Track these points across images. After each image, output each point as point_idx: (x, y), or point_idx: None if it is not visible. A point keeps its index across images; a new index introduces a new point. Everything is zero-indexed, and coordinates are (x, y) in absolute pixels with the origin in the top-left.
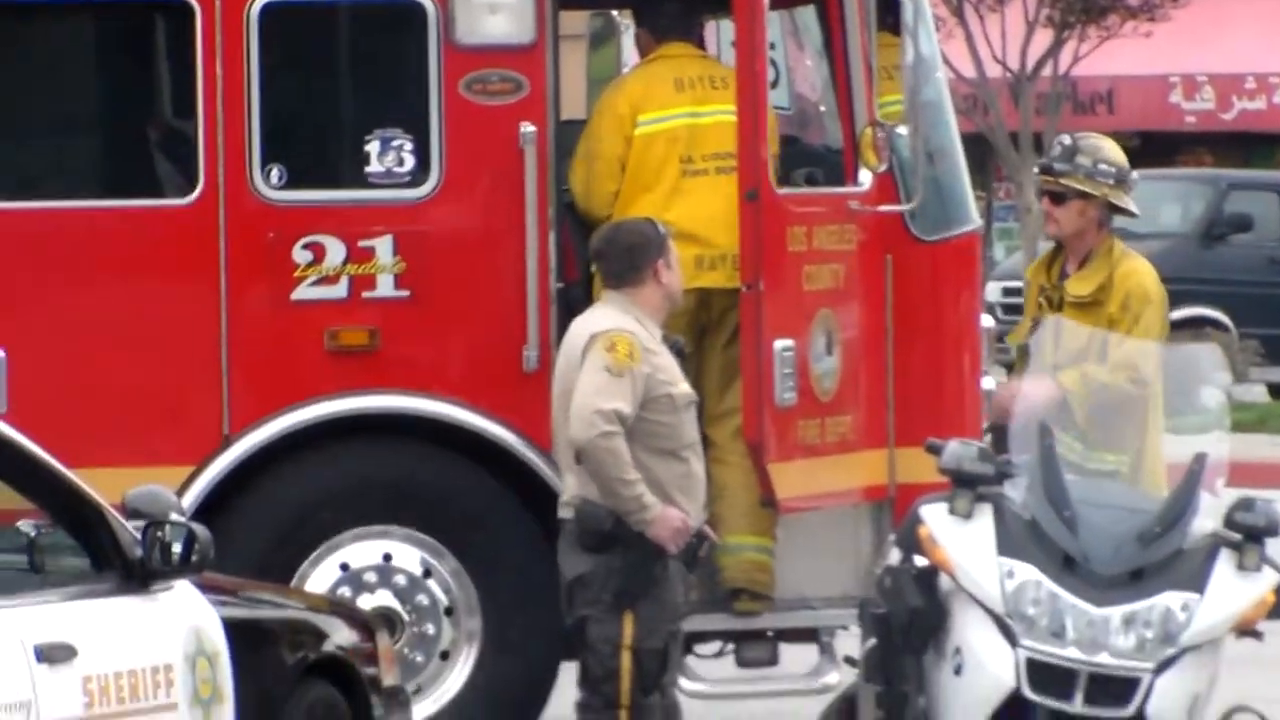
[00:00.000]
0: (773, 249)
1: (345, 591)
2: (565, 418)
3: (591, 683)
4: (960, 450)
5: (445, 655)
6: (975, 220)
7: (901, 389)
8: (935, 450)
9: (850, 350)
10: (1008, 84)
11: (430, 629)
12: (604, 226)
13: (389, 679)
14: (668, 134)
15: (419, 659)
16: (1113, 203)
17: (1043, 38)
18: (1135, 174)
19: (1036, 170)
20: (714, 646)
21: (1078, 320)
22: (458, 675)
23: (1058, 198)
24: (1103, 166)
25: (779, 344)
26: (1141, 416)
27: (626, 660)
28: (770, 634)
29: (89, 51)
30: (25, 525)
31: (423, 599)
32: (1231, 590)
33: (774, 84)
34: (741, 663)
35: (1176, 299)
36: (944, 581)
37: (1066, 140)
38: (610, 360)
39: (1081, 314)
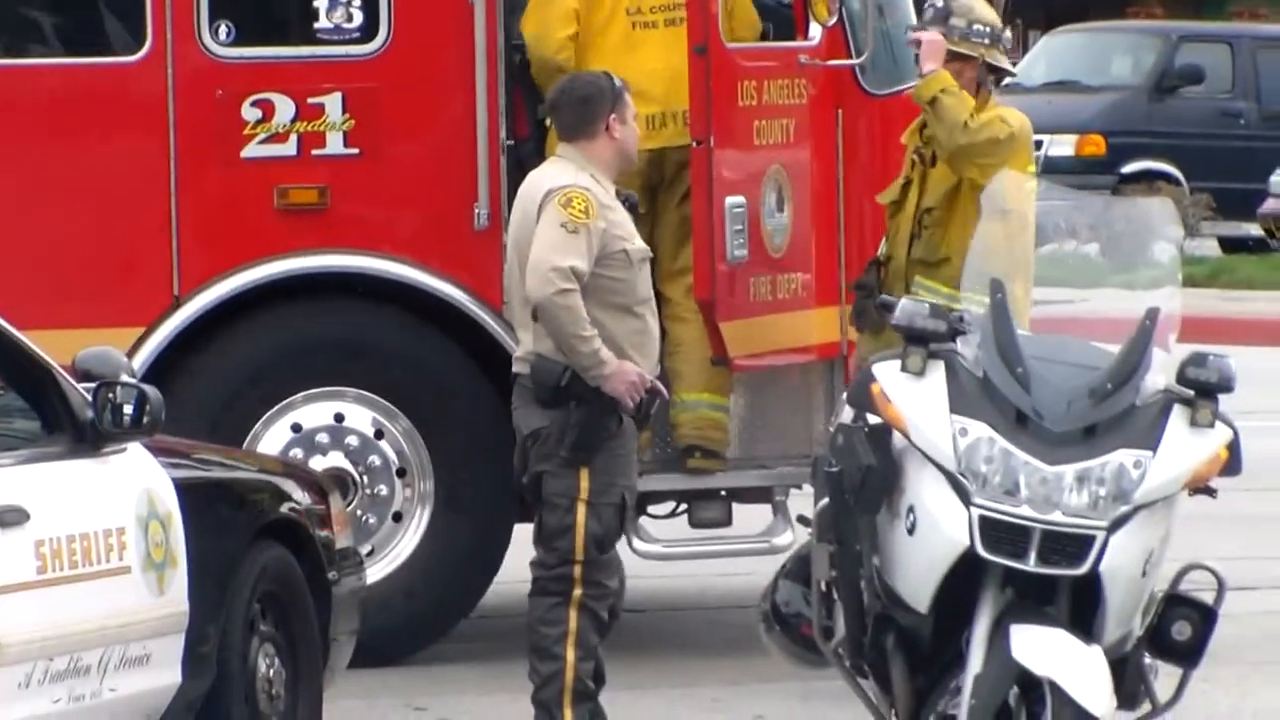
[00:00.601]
0: (722, 104)
1: (297, 453)
2: (520, 274)
3: (547, 538)
4: (912, 307)
5: (398, 517)
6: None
7: (853, 245)
8: (887, 307)
9: (801, 206)
10: None
11: (383, 490)
12: (560, 79)
13: (342, 541)
14: None
15: (371, 521)
16: (989, 62)
17: None
18: (1008, 32)
19: (909, 33)
20: (667, 507)
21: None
22: (410, 537)
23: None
24: (977, 27)
25: (730, 200)
26: (1006, 255)
27: (582, 514)
28: (723, 494)
29: None
30: None
31: (375, 460)
32: (1185, 447)
33: None
34: (694, 523)
35: (1127, 153)
36: (897, 439)
37: (939, 2)
38: (566, 216)
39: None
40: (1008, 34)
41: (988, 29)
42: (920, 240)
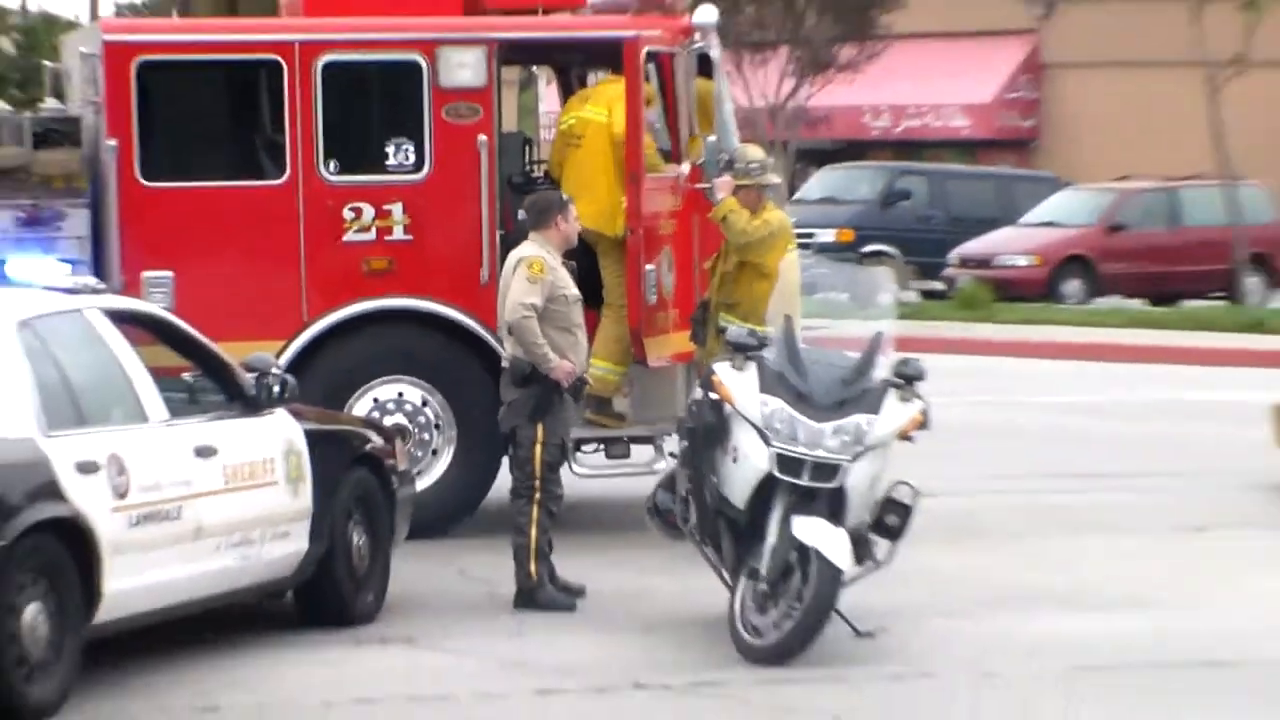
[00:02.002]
0: (642, 210)
1: (375, 414)
2: (504, 309)
3: (519, 466)
4: (737, 331)
5: (435, 452)
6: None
7: (696, 295)
8: (724, 331)
9: (678, 271)
10: (768, 110)
11: (425, 437)
12: (532, 194)
13: (402, 466)
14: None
15: (419, 455)
16: (760, 183)
17: (790, 82)
18: (771, 159)
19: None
20: (592, 446)
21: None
22: (441, 464)
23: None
24: (752, 165)
25: (648, 267)
26: (789, 301)
27: (538, 451)
28: (625, 439)
29: (233, 92)
30: (187, 376)
31: (421, 419)
32: (896, 413)
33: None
34: (608, 455)
35: (865, 239)
36: (727, 408)
37: (724, 155)
38: (529, 274)
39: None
40: (770, 159)
41: (758, 164)
42: (724, 290)
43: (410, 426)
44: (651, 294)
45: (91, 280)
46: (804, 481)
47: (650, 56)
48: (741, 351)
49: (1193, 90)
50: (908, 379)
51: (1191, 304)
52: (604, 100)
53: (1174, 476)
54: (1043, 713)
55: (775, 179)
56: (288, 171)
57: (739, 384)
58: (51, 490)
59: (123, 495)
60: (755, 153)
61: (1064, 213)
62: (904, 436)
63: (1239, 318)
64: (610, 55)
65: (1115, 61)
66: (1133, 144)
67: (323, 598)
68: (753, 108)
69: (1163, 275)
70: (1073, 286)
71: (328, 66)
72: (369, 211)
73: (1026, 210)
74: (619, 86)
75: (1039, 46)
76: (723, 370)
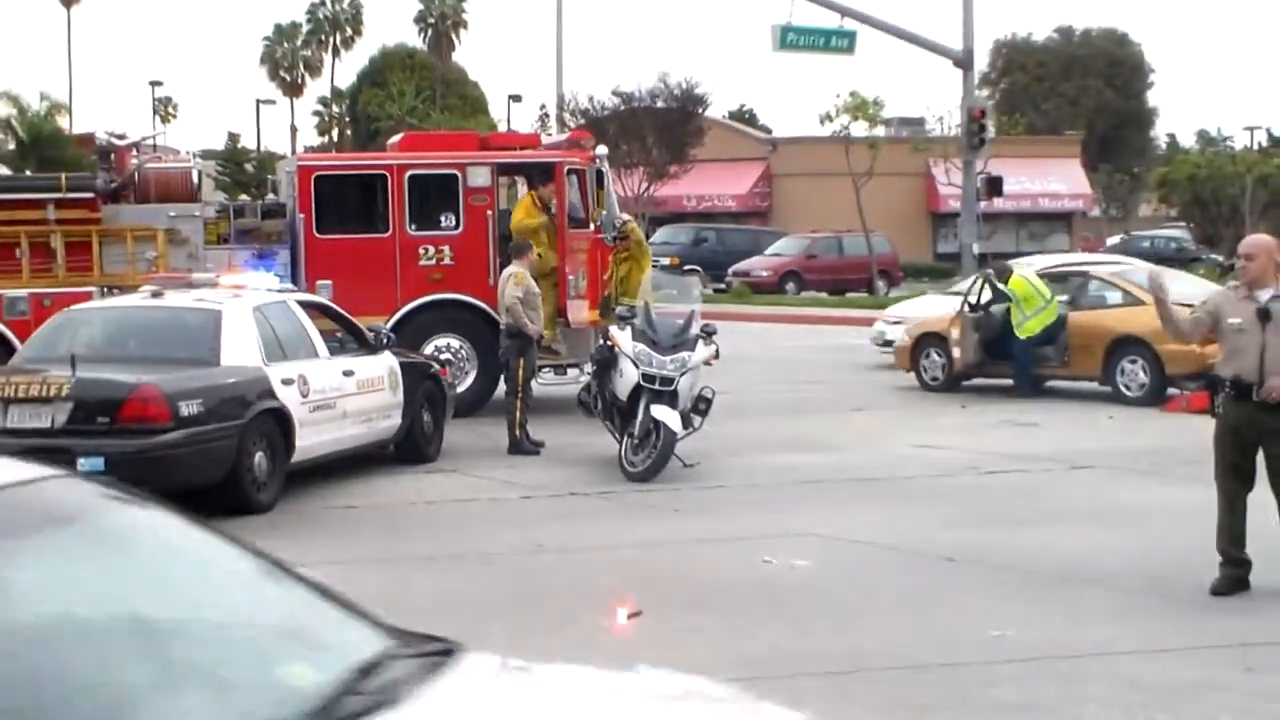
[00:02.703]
0: (567, 248)
1: (435, 353)
2: (503, 299)
3: (510, 379)
4: (622, 310)
5: (466, 373)
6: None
7: (600, 289)
8: (615, 309)
9: (588, 281)
10: (633, 197)
11: (463, 367)
12: (515, 241)
13: (450, 381)
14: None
15: (459, 376)
16: (628, 231)
17: (644, 182)
18: (624, 216)
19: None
20: (547, 370)
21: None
22: (469, 379)
23: (617, 239)
24: (627, 224)
25: (570, 278)
26: (642, 295)
27: (520, 373)
28: (565, 367)
29: (363, 189)
30: (339, 334)
31: (460, 355)
32: (703, 351)
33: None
34: (556, 374)
35: (685, 262)
36: (616, 349)
37: (612, 220)
38: (514, 281)
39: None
40: (623, 217)
41: (623, 219)
42: (618, 288)
43: (454, 360)
44: (571, 291)
45: (290, 285)
46: (655, 387)
47: (571, 171)
48: (624, 319)
49: (848, 186)
50: (708, 333)
51: (851, 295)
52: (522, 205)
53: (845, 381)
54: (779, 502)
55: (641, 236)
56: (391, 229)
57: (622, 336)
58: (269, 393)
59: (306, 396)
60: (626, 216)
61: (785, 248)
62: (708, 363)
63: (874, 301)
64: (549, 171)
65: (809, 172)
66: (818, 214)
67: (409, 448)
68: (624, 196)
69: (836, 280)
70: (791, 286)
71: (411, 177)
72: (432, 250)
73: (766, 248)
74: (527, 199)
75: (770, 164)
76: (614, 329)
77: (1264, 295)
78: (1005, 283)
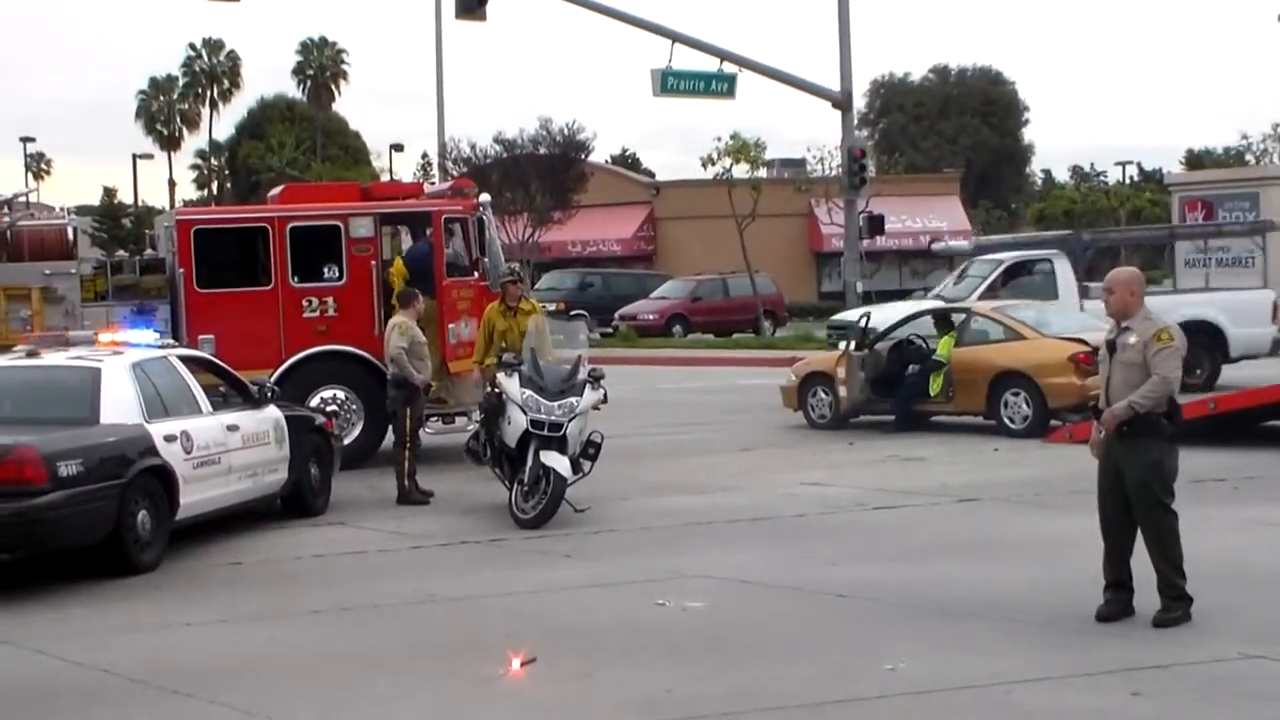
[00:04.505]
0: (447, 299)
1: (321, 405)
2: (388, 349)
3: (397, 434)
4: (509, 357)
5: (354, 425)
6: (498, 286)
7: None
8: (500, 356)
9: (471, 328)
10: (518, 244)
11: (351, 417)
12: (401, 290)
13: (337, 433)
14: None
15: (346, 427)
16: (514, 279)
17: (529, 229)
18: (514, 265)
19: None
20: (434, 418)
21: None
22: (356, 430)
23: (510, 283)
24: (510, 272)
25: (450, 326)
26: (542, 341)
27: (408, 423)
28: (453, 416)
29: (244, 242)
30: (221, 388)
31: (348, 408)
32: (590, 396)
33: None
34: (444, 422)
35: (572, 308)
36: (504, 396)
37: (496, 269)
38: (399, 332)
39: (524, 319)
40: (513, 266)
41: (511, 271)
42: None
43: (340, 411)
44: (452, 339)
45: (171, 340)
46: (544, 433)
47: (452, 220)
48: (510, 366)
49: (732, 228)
50: (596, 378)
51: (736, 335)
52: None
53: (733, 422)
54: (671, 544)
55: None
56: (273, 281)
57: (509, 383)
58: (151, 451)
59: (189, 452)
60: (509, 266)
61: (671, 291)
62: (596, 408)
63: (760, 342)
64: (428, 220)
65: (693, 215)
66: (703, 257)
67: (296, 502)
68: (508, 243)
69: (722, 321)
70: (677, 329)
71: (293, 229)
72: (316, 301)
73: (652, 291)
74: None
75: (654, 208)
76: (501, 376)
77: (1121, 327)
78: (948, 330)
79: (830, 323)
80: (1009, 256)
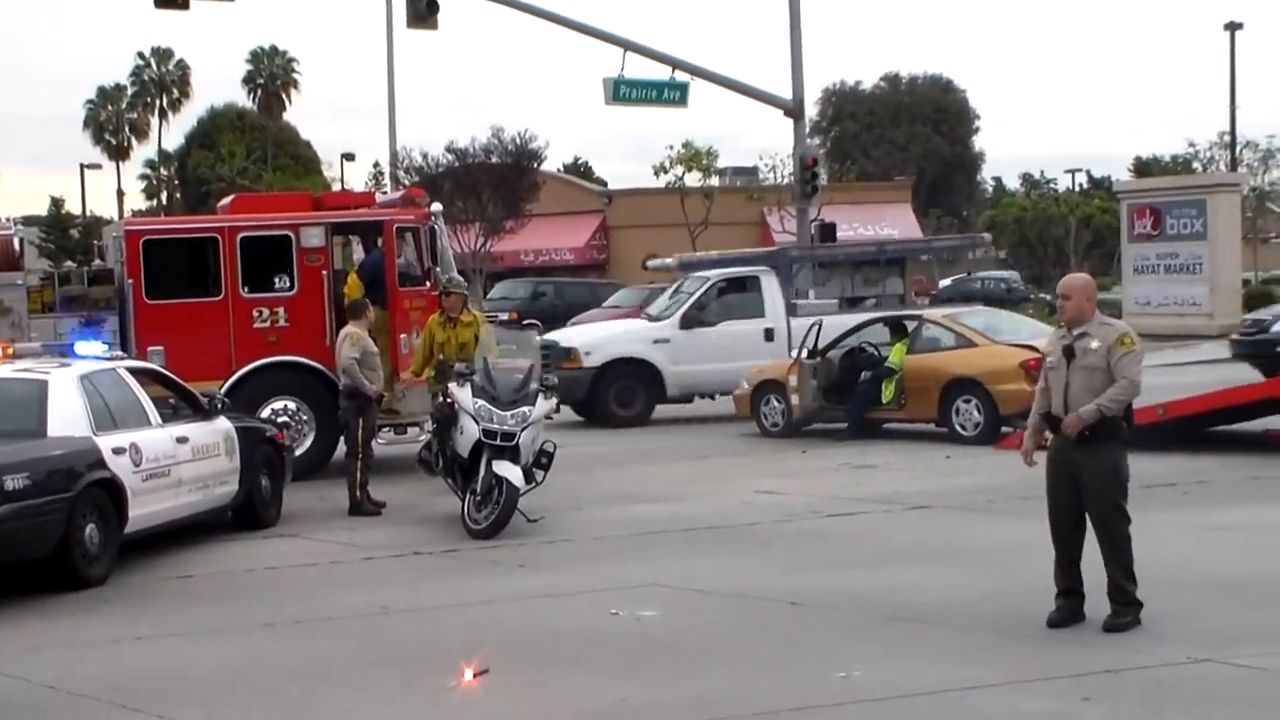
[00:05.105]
0: (400, 309)
1: (272, 416)
2: (340, 359)
3: (349, 445)
4: (460, 367)
5: (305, 436)
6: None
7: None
8: (453, 367)
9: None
10: (471, 253)
11: (302, 428)
12: (352, 300)
13: (288, 444)
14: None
15: (298, 438)
16: (462, 292)
17: (481, 238)
18: (460, 279)
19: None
20: (386, 428)
21: (459, 334)
22: (308, 441)
23: (447, 295)
24: (459, 283)
25: (402, 337)
26: (482, 352)
27: (360, 434)
28: (405, 426)
29: (194, 253)
30: (171, 400)
31: (299, 419)
32: (543, 405)
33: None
34: (396, 433)
35: (524, 317)
36: (456, 406)
37: (447, 279)
38: (351, 342)
39: (464, 330)
40: (460, 280)
41: (460, 282)
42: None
43: (291, 422)
44: (404, 349)
45: (119, 352)
46: (497, 443)
47: (404, 230)
48: (463, 376)
49: (684, 236)
50: (548, 387)
51: None
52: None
53: (688, 432)
54: (624, 553)
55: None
56: (224, 292)
57: (461, 393)
58: (99, 463)
59: (138, 465)
60: (459, 278)
61: (624, 300)
62: (548, 417)
63: None
64: (380, 230)
65: (645, 224)
66: None
67: (248, 514)
68: (461, 252)
69: None
70: None
71: (243, 239)
72: (267, 312)
73: (605, 299)
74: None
75: (606, 217)
76: (454, 387)
77: (1076, 333)
78: (900, 337)
79: None
80: (715, 274)
